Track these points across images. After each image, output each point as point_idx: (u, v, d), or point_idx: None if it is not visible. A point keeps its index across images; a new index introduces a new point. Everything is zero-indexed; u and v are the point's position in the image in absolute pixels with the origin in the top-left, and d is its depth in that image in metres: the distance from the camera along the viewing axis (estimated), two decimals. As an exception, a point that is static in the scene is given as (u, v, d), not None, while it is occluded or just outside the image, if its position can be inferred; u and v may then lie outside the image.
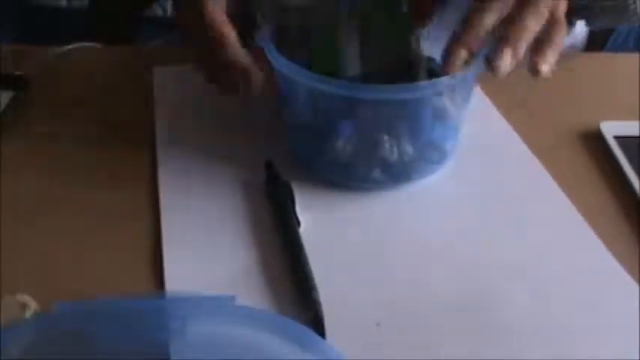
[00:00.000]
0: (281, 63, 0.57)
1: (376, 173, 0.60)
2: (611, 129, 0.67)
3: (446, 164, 0.62)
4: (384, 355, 0.48)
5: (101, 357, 0.44)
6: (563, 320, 0.51)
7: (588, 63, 0.79)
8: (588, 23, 0.81)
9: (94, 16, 0.83)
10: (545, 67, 0.56)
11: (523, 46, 0.55)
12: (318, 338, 0.44)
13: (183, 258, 0.54)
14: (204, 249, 0.55)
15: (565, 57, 0.58)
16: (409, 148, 0.59)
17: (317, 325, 0.49)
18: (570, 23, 0.81)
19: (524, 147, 0.65)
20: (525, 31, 0.55)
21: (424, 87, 0.57)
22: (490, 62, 0.55)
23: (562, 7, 0.57)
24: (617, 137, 0.66)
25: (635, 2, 0.75)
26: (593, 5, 0.77)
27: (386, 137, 0.59)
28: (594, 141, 0.67)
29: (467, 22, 0.55)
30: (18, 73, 0.70)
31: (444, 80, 0.55)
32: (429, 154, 0.61)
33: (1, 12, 0.85)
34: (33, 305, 0.49)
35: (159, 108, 0.68)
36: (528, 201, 0.61)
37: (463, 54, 0.55)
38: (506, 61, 0.55)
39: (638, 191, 0.61)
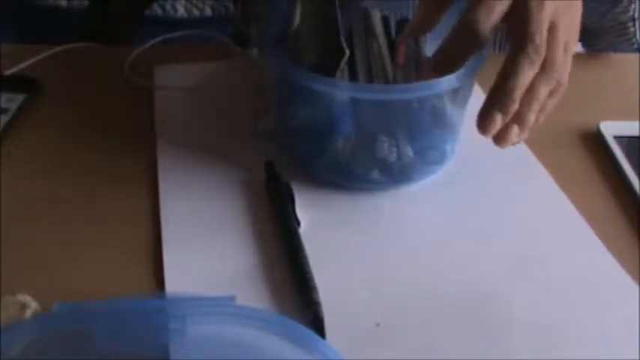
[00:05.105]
0: (281, 63, 0.57)
1: (375, 174, 0.60)
2: (611, 129, 0.67)
3: (446, 165, 0.62)
4: (384, 355, 0.48)
5: (101, 357, 0.44)
6: (563, 320, 0.51)
7: (588, 63, 0.79)
8: (588, 45, 0.81)
9: (94, 16, 0.83)
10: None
11: (532, 118, 0.54)
12: (318, 338, 0.44)
13: (183, 258, 0.54)
14: (204, 249, 0.55)
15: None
16: (409, 149, 0.59)
17: (317, 325, 0.49)
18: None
19: (524, 147, 0.65)
20: (536, 101, 0.53)
21: (424, 87, 0.56)
22: (498, 137, 0.54)
23: (566, 71, 0.55)
24: (616, 137, 0.66)
25: (634, 26, 0.75)
26: (594, 27, 0.77)
27: (385, 138, 0.59)
28: (594, 141, 0.67)
29: (500, 84, 0.52)
30: (31, 75, 0.70)
31: (444, 81, 0.55)
32: (429, 155, 0.61)
33: (1, 12, 0.85)
34: (33, 305, 0.49)
35: (159, 108, 0.68)
36: (528, 201, 0.61)
37: (499, 119, 0.53)
38: (514, 132, 0.54)
39: (638, 191, 0.61)
